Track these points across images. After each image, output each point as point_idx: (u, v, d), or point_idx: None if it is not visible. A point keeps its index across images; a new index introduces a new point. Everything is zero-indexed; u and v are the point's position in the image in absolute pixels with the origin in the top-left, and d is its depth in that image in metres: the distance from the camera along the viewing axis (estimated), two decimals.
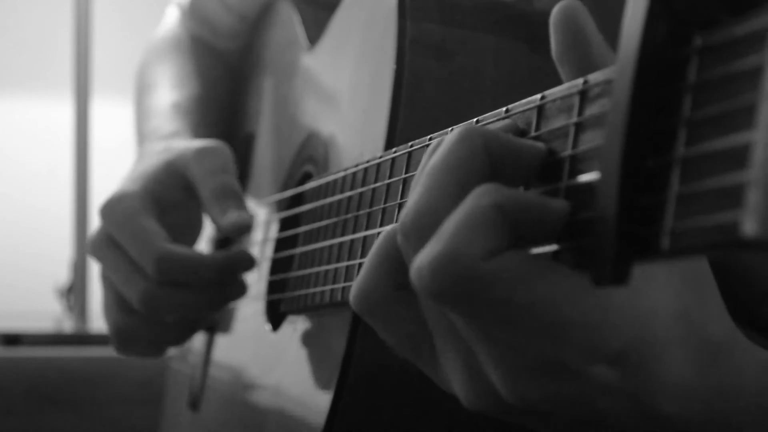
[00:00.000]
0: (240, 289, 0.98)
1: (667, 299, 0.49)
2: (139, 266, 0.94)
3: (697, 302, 0.49)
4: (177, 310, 0.96)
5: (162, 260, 0.91)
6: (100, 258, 0.98)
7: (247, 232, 0.95)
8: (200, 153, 0.97)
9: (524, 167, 0.50)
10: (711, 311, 0.50)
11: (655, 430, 0.51)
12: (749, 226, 0.34)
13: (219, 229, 0.95)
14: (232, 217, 0.94)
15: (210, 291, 0.97)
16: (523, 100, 0.53)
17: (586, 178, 0.46)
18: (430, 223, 0.50)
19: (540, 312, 0.48)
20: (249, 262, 0.96)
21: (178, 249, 0.93)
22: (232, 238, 1.11)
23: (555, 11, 0.53)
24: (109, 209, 0.96)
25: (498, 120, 0.55)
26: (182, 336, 1.04)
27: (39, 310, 2.38)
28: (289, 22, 1.12)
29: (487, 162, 0.50)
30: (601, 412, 0.51)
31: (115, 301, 0.99)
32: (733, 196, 0.35)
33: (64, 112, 2.55)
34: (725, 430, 0.51)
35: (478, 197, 0.48)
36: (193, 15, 1.29)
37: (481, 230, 0.47)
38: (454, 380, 0.54)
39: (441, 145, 0.51)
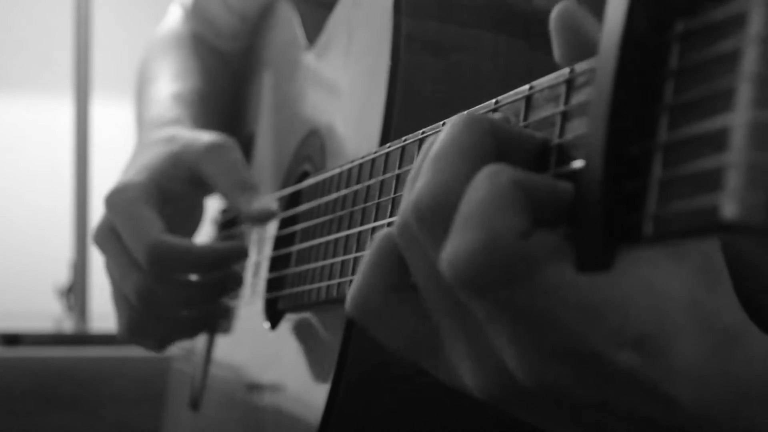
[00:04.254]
0: (235, 281, 0.98)
1: (680, 287, 0.48)
2: (134, 257, 0.94)
3: (709, 292, 0.48)
4: (174, 304, 0.96)
5: (154, 249, 0.91)
6: (101, 248, 0.98)
7: (274, 218, 0.95)
8: (212, 150, 0.97)
9: (526, 155, 0.49)
10: (724, 301, 0.48)
11: (670, 423, 0.50)
12: (729, 209, 0.34)
13: (247, 218, 0.95)
14: (261, 203, 0.94)
15: (205, 284, 0.98)
16: (512, 91, 0.53)
17: (572, 166, 0.46)
18: (449, 203, 0.48)
19: (572, 292, 0.46)
20: (241, 252, 0.96)
21: (171, 238, 0.93)
22: (250, 223, 1.10)
23: (554, 15, 0.52)
24: (113, 198, 0.96)
25: (488, 111, 0.55)
26: (186, 331, 1.04)
27: (39, 310, 2.38)
28: (288, 22, 1.13)
29: (495, 145, 0.49)
30: (618, 404, 0.49)
31: (120, 295, 1.00)
32: (713, 180, 0.35)
33: (64, 112, 2.55)
34: (736, 420, 0.50)
35: (495, 175, 0.46)
36: (195, 15, 1.30)
37: (509, 210, 0.45)
38: (465, 369, 0.52)
39: (445, 131, 0.50)
